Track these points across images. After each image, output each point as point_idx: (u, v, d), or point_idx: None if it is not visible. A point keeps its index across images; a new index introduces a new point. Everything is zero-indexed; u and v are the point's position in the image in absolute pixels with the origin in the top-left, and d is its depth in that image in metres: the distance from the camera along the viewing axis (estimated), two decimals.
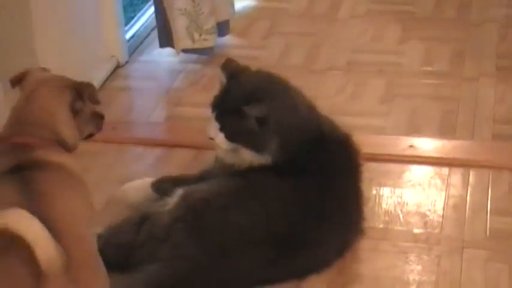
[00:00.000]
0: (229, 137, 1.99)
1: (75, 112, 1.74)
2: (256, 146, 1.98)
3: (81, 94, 1.74)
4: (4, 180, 1.56)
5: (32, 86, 1.73)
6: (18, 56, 2.44)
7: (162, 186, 2.14)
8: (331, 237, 1.98)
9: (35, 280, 1.36)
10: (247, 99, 1.96)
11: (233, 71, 2.05)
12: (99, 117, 1.85)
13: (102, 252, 1.64)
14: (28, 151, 1.62)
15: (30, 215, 1.34)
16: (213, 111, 2.02)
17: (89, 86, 1.77)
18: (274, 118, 1.96)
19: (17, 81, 1.77)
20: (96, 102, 1.78)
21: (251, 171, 2.00)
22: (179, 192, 1.99)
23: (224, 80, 2.05)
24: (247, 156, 2.00)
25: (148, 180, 2.19)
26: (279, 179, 1.96)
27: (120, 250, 1.92)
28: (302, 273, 1.96)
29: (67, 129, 1.72)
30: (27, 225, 1.33)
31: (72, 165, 1.67)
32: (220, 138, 2.00)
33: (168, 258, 1.91)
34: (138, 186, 2.20)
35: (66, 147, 1.70)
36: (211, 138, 2.02)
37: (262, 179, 1.97)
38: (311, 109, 2.07)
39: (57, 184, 1.59)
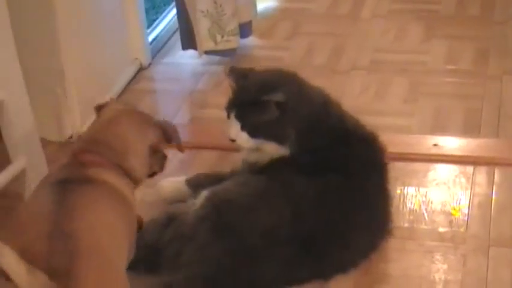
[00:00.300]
0: (252, 133, 2.00)
1: (153, 151, 1.79)
2: (278, 137, 1.99)
3: (168, 136, 1.80)
4: (47, 189, 1.58)
5: (114, 112, 1.78)
6: (43, 59, 2.47)
7: (197, 183, 2.16)
8: (358, 238, 1.98)
9: None
10: (263, 90, 1.99)
11: (240, 73, 2.08)
12: (164, 157, 1.89)
13: None
14: (84, 167, 1.65)
15: (14, 255, 1.34)
16: (230, 112, 2.04)
17: (174, 128, 1.83)
18: (290, 105, 1.97)
19: (100, 108, 1.82)
20: (180, 148, 1.85)
21: (275, 169, 2.00)
22: (204, 193, 2.01)
23: (233, 83, 2.07)
24: (270, 150, 2.01)
25: (183, 177, 2.22)
26: (304, 177, 1.97)
27: (147, 250, 1.94)
28: (328, 274, 1.96)
29: (139, 164, 1.75)
30: (9, 262, 1.33)
31: (123, 187, 1.67)
32: (242, 138, 2.01)
33: (193, 259, 1.92)
34: (173, 182, 2.22)
35: (130, 178, 1.72)
36: (233, 140, 2.03)
37: (287, 177, 1.98)
38: (332, 105, 2.08)
39: (94, 199, 1.58)
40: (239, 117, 2.01)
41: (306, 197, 1.95)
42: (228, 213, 1.94)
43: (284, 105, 1.96)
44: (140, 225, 1.94)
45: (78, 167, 1.66)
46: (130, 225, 1.67)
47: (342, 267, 1.97)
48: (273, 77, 2.07)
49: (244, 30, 3.03)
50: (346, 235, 1.97)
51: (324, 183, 1.96)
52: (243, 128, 2.01)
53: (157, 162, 1.86)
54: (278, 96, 1.96)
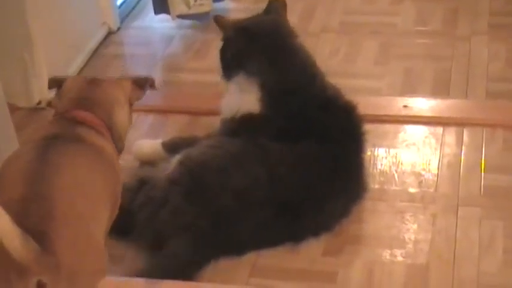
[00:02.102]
0: (222, 69, 2.10)
1: (130, 103, 1.82)
2: (228, 67, 2.09)
3: (142, 85, 1.82)
4: (32, 145, 1.56)
5: (83, 78, 1.78)
6: (10, 24, 2.44)
7: (173, 146, 2.16)
8: (332, 203, 1.99)
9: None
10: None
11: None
12: None
13: None
14: (73, 125, 1.63)
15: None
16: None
17: (148, 77, 1.85)
18: (257, 49, 2.05)
19: (57, 83, 1.78)
20: (153, 85, 1.87)
21: (250, 131, 2.01)
22: (177, 157, 2.01)
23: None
24: (234, 99, 2.05)
25: (160, 140, 2.22)
26: (280, 141, 1.98)
27: (119, 213, 1.94)
28: (301, 237, 1.98)
29: (124, 118, 1.77)
30: None
31: (110, 151, 1.66)
32: (220, 79, 2.11)
33: (167, 223, 1.92)
34: (150, 143, 2.23)
35: (115, 133, 1.72)
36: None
37: (263, 140, 1.99)
38: (314, 71, 2.10)
39: (77, 158, 1.57)
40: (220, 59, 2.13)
41: (282, 161, 1.96)
42: (201, 175, 1.95)
43: (242, 36, 2.07)
44: None
45: (68, 125, 1.63)
46: (114, 190, 1.65)
47: (315, 230, 1.99)
48: (258, 20, 2.16)
49: None
50: (321, 199, 1.98)
51: (299, 148, 1.97)
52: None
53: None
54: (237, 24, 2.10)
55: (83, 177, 1.54)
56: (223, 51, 2.13)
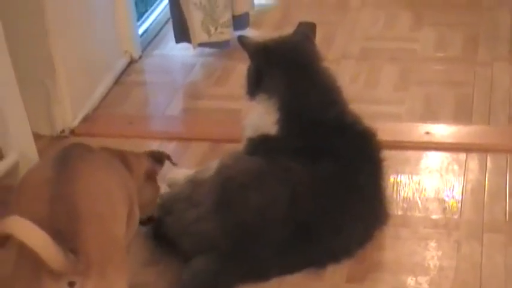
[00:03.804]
0: (246, 87, 2.11)
1: (147, 176, 1.90)
2: (251, 86, 2.08)
3: (160, 159, 1.95)
4: (51, 155, 1.63)
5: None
6: (33, 52, 2.46)
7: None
8: (352, 227, 1.98)
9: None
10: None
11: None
12: (156, 189, 1.99)
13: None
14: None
15: (26, 221, 1.35)
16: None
17: (163, 152, 1.99)
18: (278, 69, 2.05)
19: None
20: (172, 162, 2.00)
21: (270, 151, 2.01)
22: (215, 163, 2.05)
23: None
24: (254, 120, 2.05)
25: (193, 170, 2.20)
26: (299, 162, 1.97)
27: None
28: (322, 262, 1.97)
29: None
30: (25, 231, 1.34)
31: (123, 161, 1.77)
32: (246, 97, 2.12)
33: (190, 223, 1.94)
34: (183, 175, 2.20)
35: None
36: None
37: (283, 161, 1.98)
38: (335, 96, 2.09)
39: (94, 163, 1.64)
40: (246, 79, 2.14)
41: (301, 183, 1.95)
42: (227, 190, 1.95)
43: (262, 53, 2.09)
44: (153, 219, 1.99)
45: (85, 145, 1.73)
46: (129, 194, 1.70)
47: (336, 255, 1.98)
48: (281, 40, 2.15)
49: (241, 21, 3.03)
50: (340, 224, 1.97)
51: (318, 170, 1.97)
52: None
53: (149, 192, 1.94)
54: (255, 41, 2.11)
55: (101, 179, 1.61)
56: (248, 70, 2.13)
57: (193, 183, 2.05)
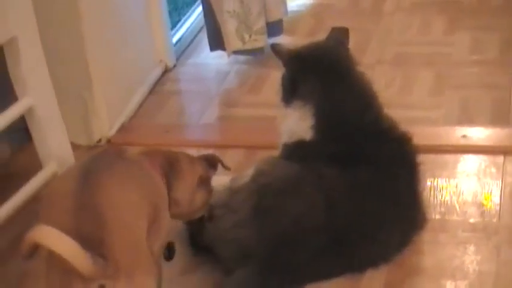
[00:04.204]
0: (281, 96, 2.11)
1: (201, 182, 1.92)
2: (286, 93, 2.08)
3: (214, 164, 1.98)
4: (76, 164, 1.69)
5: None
6: (70, 64, 2.49)
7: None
8: (389, 234, 1.97)
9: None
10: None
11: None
12: (209, 192, 1.99)
13: None
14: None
15: (55, 230, 1.37)
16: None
17: (216, 157, 2.02)
18: (312, 75, 2.04)
19: None
20: (225, 167, 2.03)
21: (305, 157, 2.01)
22: (251, 171, 2.05)
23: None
24: (289, 126, 2.05)
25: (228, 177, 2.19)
26: (334, 168, 1.97)
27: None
28: (359, 268, 1.96)
29: (185, 193, 1.87)
30: (55, 240, 1.36)
31: (150, 170, 1.76)
32: (279, 104, 2.12)
33: (227, 230, 1.95)
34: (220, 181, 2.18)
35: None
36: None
37: (318, 166, 1.98)
38: (370, 100, 2.08)
39: (118, 169, 1.66)
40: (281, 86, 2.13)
41: (338, 189, 1.95)
42: (264, 197, 1.95)
43: (297, 61, 2.08)
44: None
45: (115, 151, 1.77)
46: (154, 203, 1.71)
47: (373, 261, 1.97)
48: (316, 46, 2.15)
49: (275, 28, 3.04)
50: (377, 230, 1.96)
51: (354, 176, 1.96)
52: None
53: (202, 196, 1.95)
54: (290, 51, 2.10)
55: (122, 185, 1.63)
56: (282, 77, 2.13)
57: (230, 190, 2.06)
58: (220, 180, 2.19)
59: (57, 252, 1.34)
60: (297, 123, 2.06)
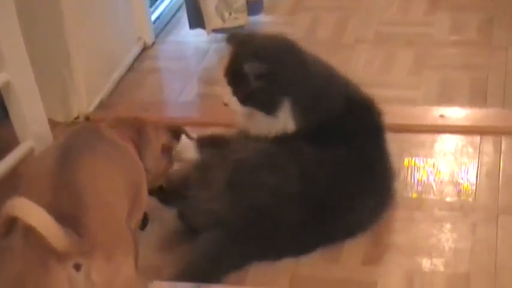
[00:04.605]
0: (241, 100, 2.00)
1: (164, 149, 1.96)
2: (266, 107, 1.98)
3: (177, 135, 2.00)
4: (55, 143, 1.67)
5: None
6: (48, 40, 2.47)
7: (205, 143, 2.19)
8: (365, 201, 1.99)
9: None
10: (247, 59, 1.98)
11: (240, 39, 2.08)
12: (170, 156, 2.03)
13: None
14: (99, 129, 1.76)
15: (30, 203, 1.37)
16: (225, 77, 2.05)
17: (181, 127, 2.05)
18: (281, 77, 1.97)
19: None
20: (189, 136, 2.07)
21: (281, 138, 2.01)
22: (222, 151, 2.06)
23: (231, 48, 2.07)
24: (264, 122, 2.01)
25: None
26: (310, 146, 1.98)
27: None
28: (336, 237, 1.98)
29: (152, 160, 1.88)
30: (29, 212, 1.36)
31: (129, 148, 1.77)
32: (233, 102, 2.02)
33: (202, 206, 1.96)
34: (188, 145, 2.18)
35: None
36: (226, 104, 2.04)
37: (295, 144, 1.99)
38: (334, 75, 2.08)
39: (97, 149, 1.66)
40: (230, 84, 2.02)
41: (313, 162, 1.96)
42: (239, 171, 1.97)
43: (262, 77, 1.95)
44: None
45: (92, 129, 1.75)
46: (134, 181, 1.72)
47: (349, 230, 1.99)
48: (266, 45, 2.06)
49: (255, 7, 3.02)
50: (353, 198, 1.98)
51: (327, 150, 1.97)
52: (233, 93, 2.02)
53: (163, 164, 1.98)
54: (256, 68, 1.96)
55: (104, 166, 1.63)
56: (235, 82, 2.03)
57: (202, 164, 2.07)
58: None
59: (31, 224, 1.34)
60: (273, 119, 2.02)
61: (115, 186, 1.61)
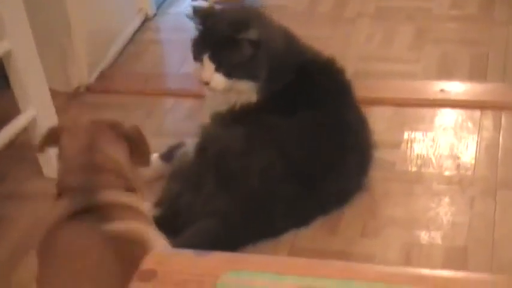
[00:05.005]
0: (228, 73, 1.96)
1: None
2: (252, 75, 1.97)
3: (135, 140, 1.64)
4: (76, 221, 1.45)
5: (86, 134, 1.58)
6: (49, 11, 2.47)
7: (168, 154, 2.15)
8: (347, 163, 2.00)
9: None
10: (236, 28, 1.95)
11: (205, 13, 2.06)
12: (146, 153, 1.68)
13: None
14: (97, 193, 1.49)
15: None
16: (202, 54, 2.00)
17: (137, 129, 1.66)
18: (267, 44, 1.97)
19: (52, 141, 1.62)
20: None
21: (247, 116, 2.00)
22: (190, 144, 2.04)
23: (199, 24, 2.04)
24: (241, 92, 1.99)
25: (156, 155, 2.13)
26: (278, 118, 1.98)
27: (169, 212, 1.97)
28: (328, 206, 2.00)
29: (132, 174, 1.61)
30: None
31: (140, 205, 1.57)
32: (217, 80, 1.97)
33: (202, 211, 1.94)
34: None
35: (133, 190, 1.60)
36: (206, 83, 1.99)
37: (263, 122, 1.98)
38: (291, 38, 2.07)
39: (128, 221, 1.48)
40: (213, 58, 1.97)
41: (288, 136, 1.97)
42: (226, 161, 1.95)
43: (258, 42, 1.95)
44: None
45: (91, 194, 1.49)
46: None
47: (342, 194, 2.02)
48: (242, 15, 2.06)
49: None
50: (335, 163, 1.99)
51: (299, 119, 1.98)
52: (217, 69, 1.97)
53: (140, 161, 1.68)
54: (252, 34, 1.94)
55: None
56: (223, 54, 1.99)
57: (179, 163, 2.05)
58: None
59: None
60: (245, 89, 2.00)
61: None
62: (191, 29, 2.93)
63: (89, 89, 2.60)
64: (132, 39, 2.86)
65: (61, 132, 1.58)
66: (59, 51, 2.53)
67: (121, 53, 2.78)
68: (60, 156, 1.57)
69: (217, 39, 1.98)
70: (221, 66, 1.97)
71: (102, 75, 2.66)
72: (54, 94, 2.43)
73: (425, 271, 1.06)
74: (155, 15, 3.01)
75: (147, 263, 1.05)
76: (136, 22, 2.93)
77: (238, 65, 1.97)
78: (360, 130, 2.07)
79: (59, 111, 2.30)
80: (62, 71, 2.55)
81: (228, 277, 1.01)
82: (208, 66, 1.98)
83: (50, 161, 2.14)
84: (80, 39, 2.55)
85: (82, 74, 2.59)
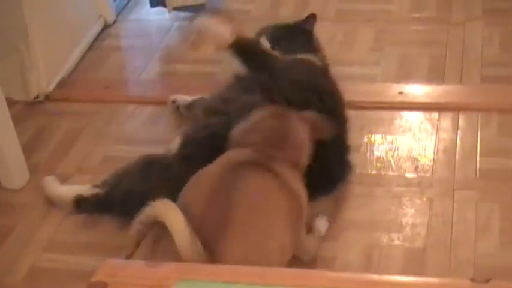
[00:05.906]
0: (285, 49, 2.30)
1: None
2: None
3: (320, 129, 1.92)
4: (223, 165, 1.73)
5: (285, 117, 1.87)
6: (6, 17, 2.44)
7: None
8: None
9: None
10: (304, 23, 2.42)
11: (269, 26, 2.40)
12: None
13: (108, 197, 1.88)
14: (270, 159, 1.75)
15: (175, 206, 1.47)
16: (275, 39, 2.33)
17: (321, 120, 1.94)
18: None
19: None
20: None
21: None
22: (178, 137, 2.06)
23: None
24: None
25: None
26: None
27: (129, 195, 1.97)
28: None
29: (307, 157, 1.87)
30: (170, 215, 1.45)
31: (294, 183, 1.77)
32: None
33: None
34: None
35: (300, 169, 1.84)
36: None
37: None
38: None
39: (262, 185, 1.71)
40: (282, 42, 2.32)
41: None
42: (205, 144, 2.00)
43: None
44: None
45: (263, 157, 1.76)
46: (293, 220, 1.74)
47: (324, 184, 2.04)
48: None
49: None
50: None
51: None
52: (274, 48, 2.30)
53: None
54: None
55: (265, 202, 1.68)
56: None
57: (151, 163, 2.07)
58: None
59: (167, 225, 1.42)
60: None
61: (273, 224, 1.66)
62: (151, 36, 2.96)
63: (48, 97, 2.58)
64: (92, 46, 2.85)
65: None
66: (17, 59, 2.51)
67: (81, 60, 2.77)
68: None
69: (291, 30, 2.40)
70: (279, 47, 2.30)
71: (61, 83, 2.64)
72: (12, 103, 2.43)
73: (375, 276, 1.07)
74: (115, 21, 3.00)
75: (97, 275, 1.04)
76: (96, 29, 2.91)
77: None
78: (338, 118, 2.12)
79: (17, 120, 2.29)
80: (20, 79, 2.53)
81: (179, 287, 1.01)
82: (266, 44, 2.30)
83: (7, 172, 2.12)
84: (37, 45, 2.52)
85: (41, 82, 2.57)
